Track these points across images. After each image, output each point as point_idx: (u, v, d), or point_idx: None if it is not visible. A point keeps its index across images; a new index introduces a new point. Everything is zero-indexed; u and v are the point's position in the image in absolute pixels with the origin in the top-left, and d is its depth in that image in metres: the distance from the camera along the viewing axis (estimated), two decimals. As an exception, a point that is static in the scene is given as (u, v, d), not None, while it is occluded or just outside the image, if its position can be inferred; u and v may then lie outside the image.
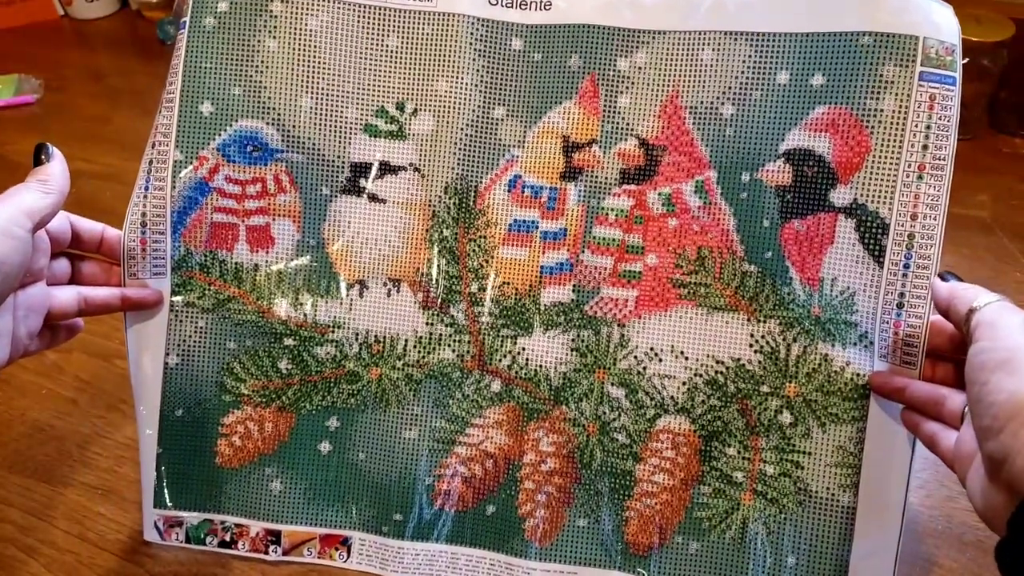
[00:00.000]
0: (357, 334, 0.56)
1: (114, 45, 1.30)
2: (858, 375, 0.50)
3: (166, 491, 0.56)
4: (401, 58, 0.54)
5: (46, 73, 1.18)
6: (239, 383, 0.56)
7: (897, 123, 0.49)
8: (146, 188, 0.54)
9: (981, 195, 0.63)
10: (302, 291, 0.56)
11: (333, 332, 0.56)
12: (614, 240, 0.53)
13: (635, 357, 0.53)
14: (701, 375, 0.52)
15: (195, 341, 0.55)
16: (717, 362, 0.52)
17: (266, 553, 0.57)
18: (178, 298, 0.55)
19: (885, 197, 0.49)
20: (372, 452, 0.56)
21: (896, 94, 0.49)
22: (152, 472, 0.56)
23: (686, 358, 0.53)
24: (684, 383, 0.53)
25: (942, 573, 0.56)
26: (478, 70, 0.54)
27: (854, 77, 0.49)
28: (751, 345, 0.52)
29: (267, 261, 0.56)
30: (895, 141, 0.49)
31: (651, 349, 0.53)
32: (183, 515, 0.57)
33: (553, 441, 0.54)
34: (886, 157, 0.49)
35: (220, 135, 0.55)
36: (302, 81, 0.55)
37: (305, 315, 0.56)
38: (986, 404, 0.35)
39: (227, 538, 0.57)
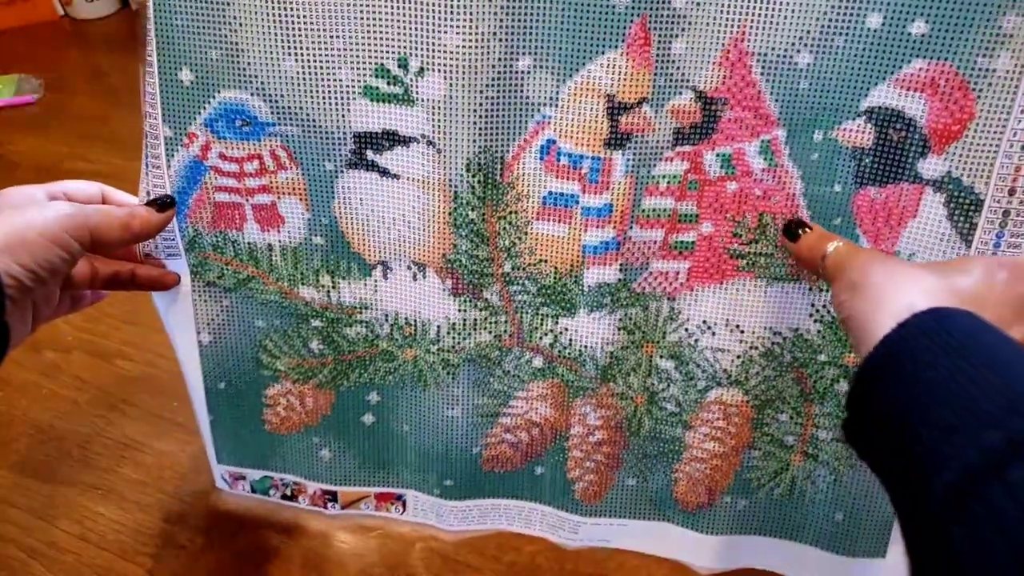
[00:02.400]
0: (387, 315, 0.51)
1: (114, 45, 1.32)
2: (923, 347, 0.47)
3: (223, 452, 0.57)
4: (399, 3, 0.43)
5: (46, 73, 1.18)
6: (274, 360, 0.54)
7: (1010, 86, 0.41)
8: (146, 165, 0.48)
9: None
10: (322, 272, 0.51)
11: (361, 313, 0.52)
12: (665, 211, 0.47)
13: (686, 330, 0.50)
14: (757, 348, 0.49)
15: (223, 319, 0.53)
16: (775, 334, 0.49)
17: (325, 507, 0.59)
18: (198, 278, 0.51)
19: (983, 171, 0.43)
20: (415, 426, 0.55)
21: (1014, 51, 0.40)
22: (208, 435, 0.56)
23: (742, 331, 0.49)
24: (738, 356, 0.50)
25: None
26: (495, 12, 0.43)
27: (965, 28, 0.40)
28: (811, 315, 0.48)
29: (280, 241, 0.50)
30: (1004, 108, 0.41)
31: (704, 322, 0.49)
32: (244, 471, 0.58)
33: (601, 415, 0.52)
34: (991, 126, 0.42)
35: (205, 108, 0.46)
36: (281, 40, 0.44)
37: (329, 296, 0.51)
38: (842, 321, 0.39)
39: (287, 492, 0.59)
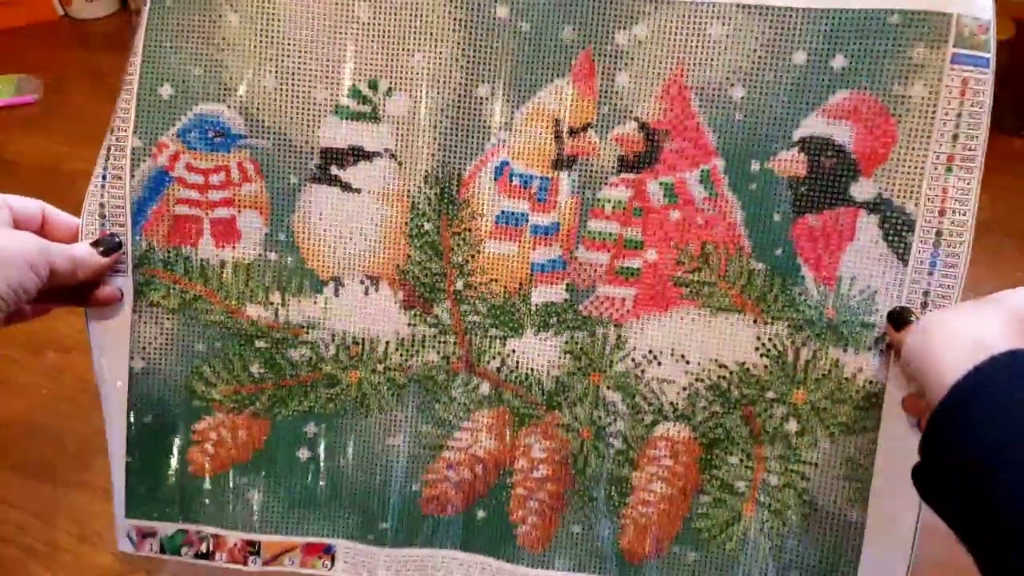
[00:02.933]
0: (333, 335, 0.52)
1: (114, 45, 1.30)
2: (871, 382, 0.47)
3: (137, 501, 0.53)
4: (372, 30, 0.48)
5: (46, 73, 1.18)
6: (209, 388, 0.52)
7: (927, 111, 0.44)
8: (104, 177, 0.50)
9: (981, 195, 0.60)
10: (272, 289, 0.51)
11: (307, 333, 0.52)
12: (611, 234, 0.49)
13: (632, 360, 0.50)
14: (703, 380, 0.49)
15: (161, 344, 0.52)
16: (720, 366, 0.49)
17: (245, 564, 0.54)
18: (142, 298, 0.51)
19: (912, 191, 0.45)
20: (354, 459, 0.53)
21: (926, 79, 0.44)
22: (122, 481, 0.53)
23: (687, 362, 0.49)
24: (684, 388, 0.49)
25: (942, 572, 0.54)
26: (458, 42, 0.48)
27: (880, 60, 0.44)
28: (757, 348, 0.48)
29: (234, 257, 0.51)
30: (924, 131, 0.44)
31: (649, 351, 0.49)
32: (156, 525, 0.54)
33: (545, 447, 0.51)
34: (913, 148, 0.44)
35: (180, 120, 0.50)
36: (265, 59, 0.49)
37: (277, 315, 0.51)
38: (904, 365, 0.40)
39: (204, 549, 0.54)
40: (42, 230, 0.48)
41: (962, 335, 0.36)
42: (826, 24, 0.44)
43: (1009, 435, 0.31)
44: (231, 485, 0.54)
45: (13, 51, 1.28)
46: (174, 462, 0.53)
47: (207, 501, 0.54)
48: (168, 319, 0.51)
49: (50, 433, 0.65)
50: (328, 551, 0.54)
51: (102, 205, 0.50)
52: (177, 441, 0.53)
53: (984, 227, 0.60)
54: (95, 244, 0.49)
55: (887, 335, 0.46)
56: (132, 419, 0.52)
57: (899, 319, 0.45)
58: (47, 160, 0.91)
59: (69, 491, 0.60)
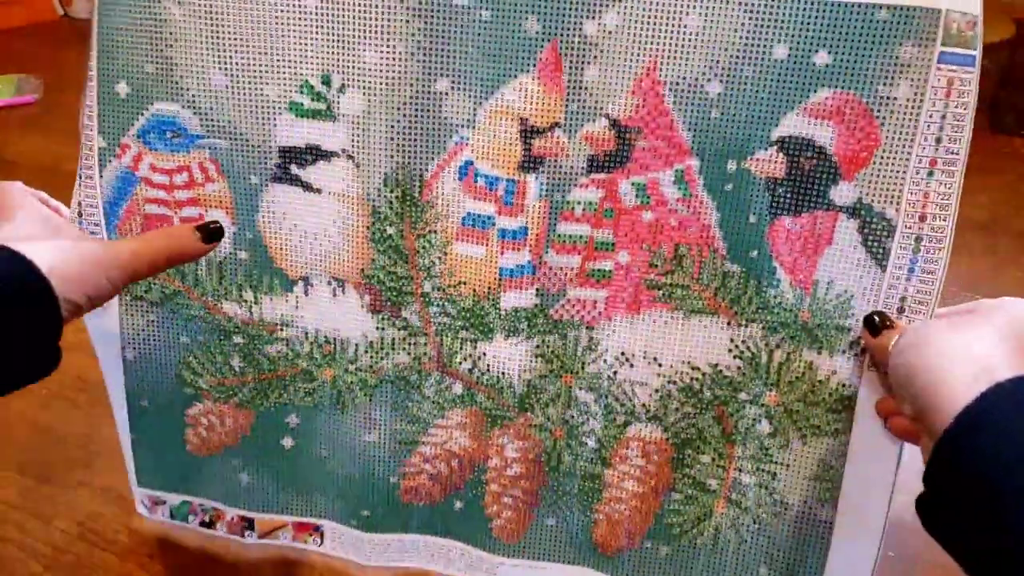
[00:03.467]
0: (307, 333, 0.51)
1: None
2: (844, 385, 0.46)
3: (144, 474, 0.56)
4: (322, 22, 0.45)
5: (46, 73, 1.18)
6: (197, 377, 0.53)
7: (911, 113, 0.41)
8: (80, 176, 0.50)
9: (980, 195, 0.57)
10: (245, 287, 0.51)
11: (282, 330, 0.52)
12: (581, 237, 0.47)
13: (604, 361, 0.49)
14: (675, 382, 0.48)
15: (148, 335, 0.53)
16: (693, 368, 0.48)
17: (242, 536, 0.57)
18: (126, 292, 0.52)
19: (892, 196, 0.43)
20: (334, 451, 0.54)
21: (912, 79, 0.41)
22: (130, 455, 0.56)
23: (659, 364, 0.48)
24: (656, 390, 0.49)
25: (930, 572, 0.55)
26: (413, 34, 0.44)
27: (866, 58, 0.41)
28: (730, 350, 0.47)
29: (207, 255, 0.50)
30: (907, 134, 0.42)
31: (622, 354, 0.49)
32: (164, 495, 0.57)
33: (519, 447, 0.51)
34: (896, 151, 0.42)
35: (138, 120, 0.48)
36: (213, 55, 0.46)
37: (251, 312, 0.51)
38: (893, 384, 0.39)
39: (206, 519, 0.57)
40: None
41: (962, 356, 0.35)
42: (810, 17, 0.41)
43: (1020, 459, 0.30)
44: (224, 466, 0.56)
45: (13, 51, 1.28)
46: (173, 442, 0.55)
47: (205, 477, 0.56)
48: (153, 312, 0.52)
49: (50, 433, 0.65)
50: (317, 529, 0.57)
51: (80, 204, 0.50)
52: (174, 423, 0.55)
53: (984, 227, 0.58)
54: (198, 229, 0.45)
55: (862, 339, 0.45)
56: (131, 403, 0.54)
57: (875, 325, 0.44)
58: (47, 160, 0.90)
59: (69, 491, 0.61)
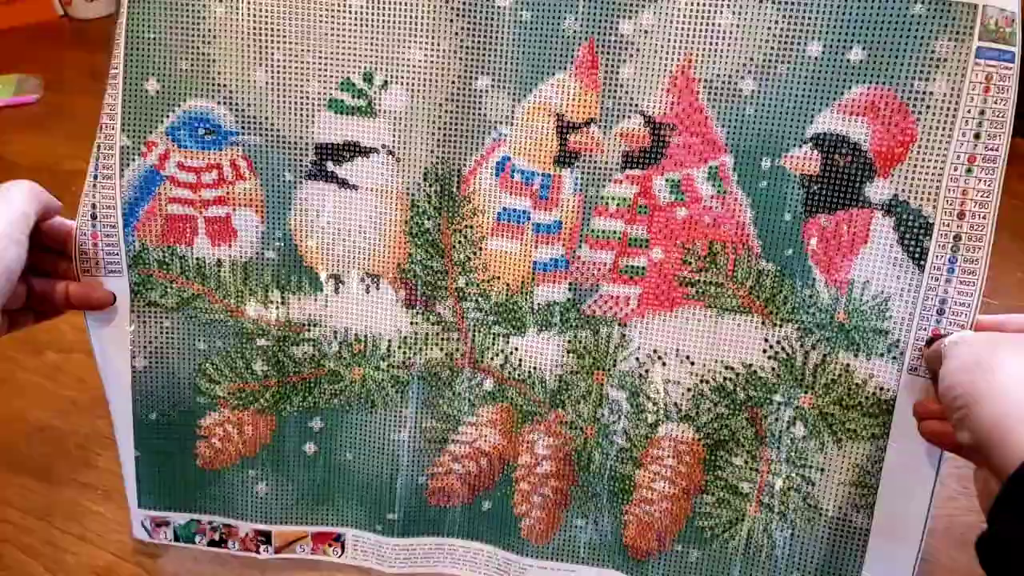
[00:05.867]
0: (335, 332, 0.51)
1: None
2: (882, 389, 0.45)
3: (148, 493, 0.54)
4: (367, 20, 0.46)
5: (46, 73, 1.17)
6: (213, 385, 0.52)
7: (948, 109, 0.41)
8: (95, 177, 0.49)
9: None
10: (271, 288, 0.51)
11: (309, 331, 0.51)
12: (615, 233, 0.47)
13: (636, 359, 0.49)
14: (708, 381, 0.48)
15: (162, 342, 0.51)
16: (726, 367, 0.48)
17: (257, 552, 0.55)
18: (139, 298, 0.50)
19: (930, 193, 0.42)
20: (360, 453, 0.53)
21: (949, 74, 0.41)
22: (132, 474, 0.54)
23: (692, 363, 0.48)
24: (689, 389, 0.48)
25: (942, 573, 0.54)
26: (457, 33, 0.46)
27: (901, 53, 0.41)
28: (765, 351, 0.47)
29: (231, 256, 0.50)
30: (945, 129, 0.41)
31: (654, 351, 0.48)
32: (169, 515, 0.55)
33: (549, 444, 0.51)
34: (933, 148, 0.42)
35: (168, 117, 0.48)
36: (255, 52, 0.47)
37: (277, 313, 0.51)
38: (950, 402, 0.37)
39: (216, 537, 0.55)
40: (37, 231, 0.47)
41: None
42: (843, 13, 0.41)
43: None
44: (239, 478, 0.54)
45: (13, 51, 1.27)
46: (181, 457, 0.53)
47: (216, 493, 0.54)
48: (167, 318, 0.51)
49: (50, 433, 0.65)
50: (338, 539, 0.55)
51: (94, 206, 0.49)
52: (183, 437, 0.53)
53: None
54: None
55: (899, 340, 0.44)
56: (137, 416, 0.53)
57: (930, 342, 0.43)
58: (47, 160, 0.91)
59: (69, 491, 0.60)
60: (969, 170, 0.42)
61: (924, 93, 0.41)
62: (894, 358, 0.45)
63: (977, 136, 0.41)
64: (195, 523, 0.55)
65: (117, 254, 0.50)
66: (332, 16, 0.46)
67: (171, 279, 0.51)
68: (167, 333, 0.51)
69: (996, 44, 0.40)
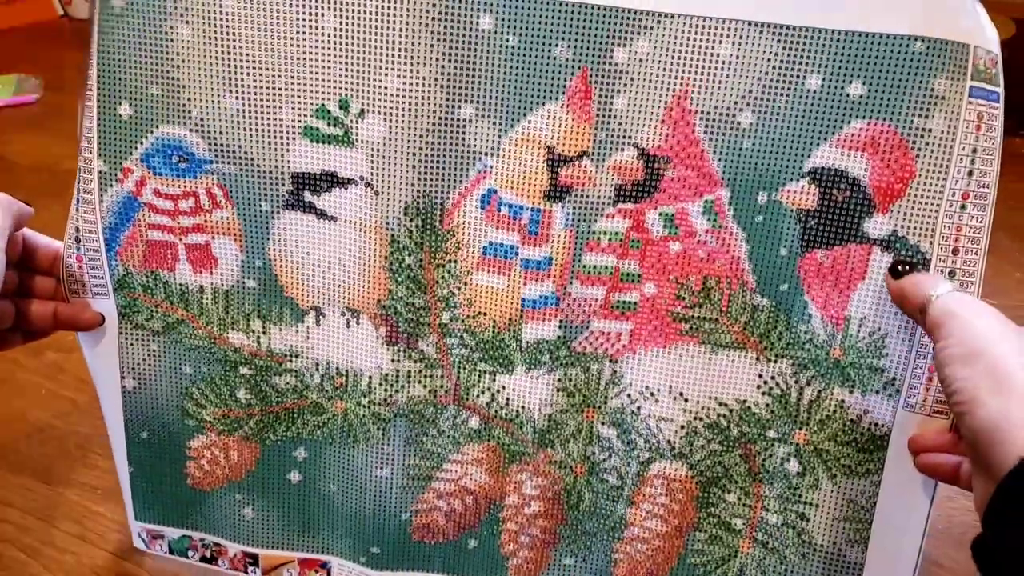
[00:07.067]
0: (317, 364, 0.49)
1: None
2: (876, 425, 0.45)
3: (142, 507, 0.54)
4: (341, 44, 0.43)
5: (46, 73, 1.18)
6: (200, 409, 0.51)
7: (945, 145, 0.41)
8: (77, 200, 0.47)
9: None
10: (253, 317, 0.49)
11: (291, 361, 0.50)
12: (607, 268, 0.46)
13: (628, 395, 0.47)
14: (702, 419, 0.47)
15: (149, 365, 0.51)
16: (720, 404, 0.47)
17: (246, 572, 0.55)
18: (126, 320, 0.49)
19: (927, 229, 0.42)
20: (343, 486, 0.52)
21: (946, 112, 0.40)
22: (128, 488, 0.54)
23: (685, 400, 0.47)
24: (682, 427, 0.47)
25: (942, 573, 0.55)
26: (437, 59, 0.43)
27: (901, 89, 0.40)
28: (759, 387, 0.46)
29: (212, 283, 0.49)
30: (942, 166, 0.41)
31: (646, 388, 0.47)
32: (163, 529, 0.55)
33: (537, 484, 0.49)
34: (931, 184, 0.41)
35: (142, 143, 0.46)
36: (224, 77, 0.44)
37: (259, 343, 0.49)
38: (949, 393, 0.36)
39: (207, 554, 0.55)
40: (22, 253, 0.48)
41: None
42: (844, 47, 0.40)
43: None
44: (227, 501, 0.54)
45: (13, 51, 1.27)
46: (173, 475, 0.53)
47: (206, 512, 0.54)
48: (154, 341, 0.50)
49: (50, 433, 0.65)
50: (324, 567, 0.55)
51: (77, 229, 0.48)
52: (174, 456, 0.53)
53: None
54: None
55: (895, 377, 0.44)
56: (129, 434, 0.52)
57: (896, 271, 0.41)
58: (46, 160, 0.90)
59: (69, 491, 0.60)
60: (963, 206, 0.41)
61: (923, 130, 0.41)
62: (890, 395, 0.44)
63: (970, 173, 0.41)
64: (187, 539, 0.55)
65: (102, 277, 0.48)
66: (304, 39, 0.43)
67: (156, 303, 0.49)
68: (154, 356, 0.50)
69: (985, 84, 0.40)
